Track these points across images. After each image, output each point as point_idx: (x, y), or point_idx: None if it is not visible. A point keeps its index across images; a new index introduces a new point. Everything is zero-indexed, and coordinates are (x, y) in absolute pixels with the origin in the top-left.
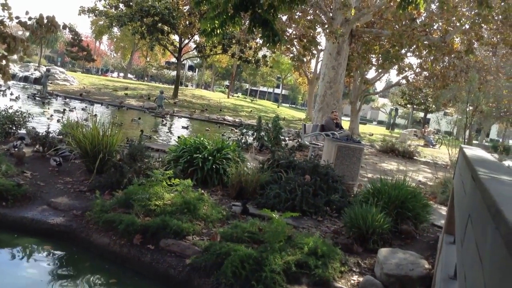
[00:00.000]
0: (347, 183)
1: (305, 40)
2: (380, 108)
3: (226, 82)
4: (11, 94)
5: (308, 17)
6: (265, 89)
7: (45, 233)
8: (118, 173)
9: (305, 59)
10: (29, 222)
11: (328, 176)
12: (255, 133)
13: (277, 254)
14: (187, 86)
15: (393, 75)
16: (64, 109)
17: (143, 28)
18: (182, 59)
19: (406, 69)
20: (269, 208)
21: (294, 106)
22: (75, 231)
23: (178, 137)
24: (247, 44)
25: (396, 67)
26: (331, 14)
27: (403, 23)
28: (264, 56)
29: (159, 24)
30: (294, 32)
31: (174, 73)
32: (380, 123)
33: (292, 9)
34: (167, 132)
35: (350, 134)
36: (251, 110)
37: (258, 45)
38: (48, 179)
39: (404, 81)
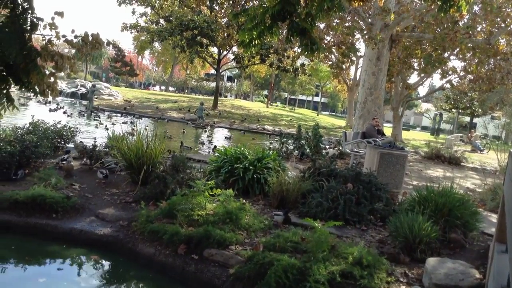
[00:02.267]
0: (391, 191)
1: (343, 47)
2: (424, 114)
3: (265, 92)
4: (60, 108)
5: (346, 24)
6: (304, 97)
7: (93, 244)
8: (161, 184)
9: (344, 66)
10: (78, 233)
11: (371, 184)
12: (295, 142)
13: (321, 264)
14: (226, 96)
15: (436, 79)
16: (114, 123)
17: (183, 42)
18: (221, 70)
19: (450, 72)
20: (311, 217)
21: (333, 113)
22: (122, 241)
23: (214, 147)
24: (285, 53)
25: (439, 71)
26: (370, 20)
27: (445, 26)
28: (303, 65)
29: (198, 37)
30: (332, 40)
31: (213, 84)
32: (424, 128)
33: (330, 17)
34: (208, 143)
35: (392, 140)
36: (291, 119)
37: (296, 54)
38: (95, 191)
39: (448, 85)
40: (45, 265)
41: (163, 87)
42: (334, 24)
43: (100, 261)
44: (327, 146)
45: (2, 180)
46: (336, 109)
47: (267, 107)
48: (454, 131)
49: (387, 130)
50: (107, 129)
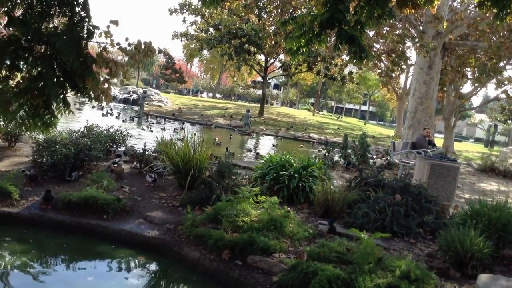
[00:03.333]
0: (441, 204)
1: (393, 55)
2: (477, 125)
3: (311, 100)
4: (110, 114)
5: (397, 32)
6: (351, 106)
7: (140, 245)
8: (207, 189)
9: (393, 75)
10: (127, 235)
11: (421, 196)
12: (341, 151)
13: (366, 276)
14: (272, 104)
15: (491, 89)
16: (163, 128)
17: (231, 50)
18: (267, 78)
19: (506, 82)
20: (357, 228)
21: (382, 123)
22: (168, 244)
23: (257, 154)
24: (333, 61)
25: (494, 80)
26: (421, 28)
27: (501, 34)
28: (350, 73)
29: (246, 45)
30: (382, 47)
31: (260, 92)
32: (478, 140)
33: (380, 24)
34: (253, 150)
35: (444, 152)
36: (337, 128)
37: (344, 61)
38: (144, 194)
39: (503, 96)
40: (95, 264)
41: (210, 94)
42: (384, 31)
43: (147, 262)
44: (375, 156)
45: (57, 181)
46: (385, 119)
47: (313, 115)
48: (510, 143)
49: (438, 141)
50: (151, 131)
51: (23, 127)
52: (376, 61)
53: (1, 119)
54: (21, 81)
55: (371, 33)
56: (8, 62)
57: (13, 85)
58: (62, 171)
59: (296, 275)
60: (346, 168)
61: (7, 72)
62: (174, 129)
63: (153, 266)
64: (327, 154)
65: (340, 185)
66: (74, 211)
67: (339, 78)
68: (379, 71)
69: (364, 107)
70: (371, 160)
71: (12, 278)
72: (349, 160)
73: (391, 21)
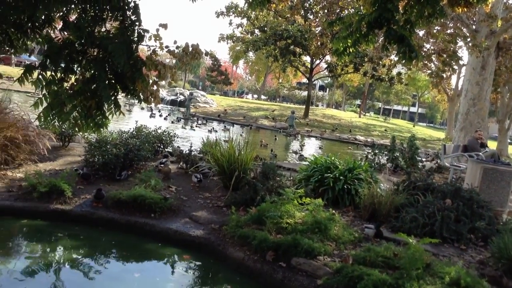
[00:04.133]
0: (494, 210)
1: (444, 55)
2: None
3: (358, 101)
4: (153, 115)
5: (448, 31)
6: (399, 107)
7: (186, 244)
8: (251, 190)
9: (444, 75)
10: (173, 233)
11: (472, 201)
12: (389, 153)
13: (414, 282)
14: (317, 106)
15: None
16: (211, 130)
17: (276, 51)
18: (313, 79)
19: None
20: (405, 233)
21: (431, 125)
22: (213, 243)
23: (300, 155)
24: (380, 62)
25: None
26: (474, 27)
27: None
28: (399, 74)
29: (292, 47)
30: (432, 47)
31: (305, 93)
32: None
33: (431, 23)
34: (298, 152)
35: (496, 153)
36: (385, 130)
37: (392, 62)
38: (190, 194)
39: None
40: (142, 261)
41: (255, 96)
42: (435, 31)
43: (192, 261)
44: (424, 159)
45: (107, 180)
46: (435, 120)
47: (360, 117)
48: None
49: (492, 144)
50: (193, 129)
51: (76, 128)
52: (426, 62)
53: (56, 120)
54: (75, 83)
55: (421, 33)
56: (63, 65)
57: (67, 87)
58: (113, 170)
59: (341, 279)
60: (394, 171)
61: (62, 75)
62: (220, 129)
63: (198, 265)
64: (373, 156)
65: (387, 188)
66: (124, 209)
67: (387, 79)
68: (429, 71)
69: (413, 109)
70: (420, 163)
71: (64, 273)
72: (396, 163)
73: (442, 20)
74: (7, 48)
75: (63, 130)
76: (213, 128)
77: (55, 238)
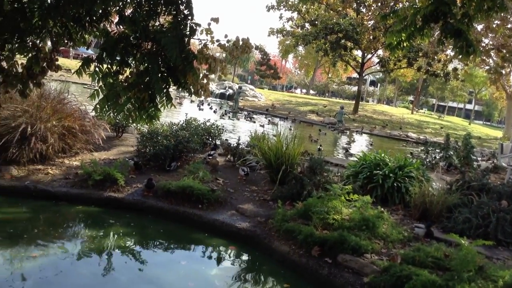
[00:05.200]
0: None
1: (504, 51)
2: None
3: (410, 97)
4: (210, 108)
5: (509, 25)
6: (454, 104)
7: (231, 236)
8: (298, 185)
9: (503, 71)
10: (220, 225)
11: None
12: (442, 152)
13: (465, 284)
14: (368, 101)
15: None
16: (263, 124)
17: (326, 45)
18: (364, 74)
19: None
20: (457, 234)
21: (488, 123)
22: (258, 236)
23: (346, 151)
24: (436, 57)
25: None
26: None
27: None
28: (455, 69)
29: (343, 41)
30: (491, 42)
31: (355, 88)
32: None
33: (490, 17)
34: (346, 147)
35: None
36: (442, 127)
37: (448, 57)
38: (236, 186)
39: None
40: (188, 250)
41: (304, 90)
42: (494, 25)
43: (238, 252)
44: (479, 158)
45: (157, 171)
46: (492, 118)
47: (412, 113)
48: None
49: None
50: (228, 118)
51: (130, 119)
52: (484, 57)
53: (111, 111)
54: (130, 76)
55: (480, 27)
56: (118, 58)
57: (122, 80)
58: (163, 161)
59: (388, 277)
60: (447, 170)
61: (118, 67)
62: (268, 123)
63: (243, 257)
64: (426, 154)
65: (440, 187)
66: (172, 199)
67: (442, 75)
68: (487, 67)
69: (469, 106)
70: (475, 163)
71: (114, 258)
72: (450, 161)
73: (502, 14)
74: (66, 41)
75: (117, 121)
76: (259, 122)
77: (107, 224)
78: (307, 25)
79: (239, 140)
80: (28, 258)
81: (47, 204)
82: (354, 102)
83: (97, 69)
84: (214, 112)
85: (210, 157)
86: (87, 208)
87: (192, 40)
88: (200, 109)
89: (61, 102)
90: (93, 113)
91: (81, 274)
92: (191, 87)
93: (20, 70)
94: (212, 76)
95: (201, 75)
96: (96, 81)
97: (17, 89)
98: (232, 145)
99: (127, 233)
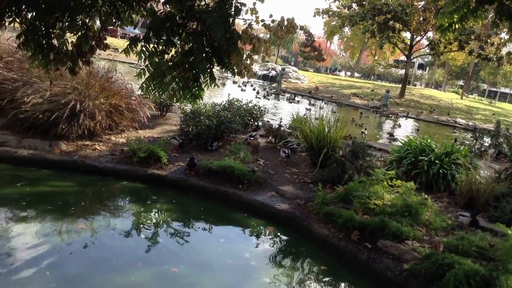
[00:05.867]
0: None
1: None
2: None
3: (460, 82)
4: (254, 89)
5: None
6: (507, 90)
7: (270, 217)
8: (339, 168)
9: None
10: (259, 205)
11: None
12: (492, 139)
13: (510, 275)
14: (415, 85)
15: None
16: (309, 108)
17: (374, 27)
18: (412, 57)
19: None
20: (504, 224)
21: None
22: (297, 218)
23: (390, 135)
24: (489, 40)
25: None
26: None
27: None
28: (509, 53)
29: (391, 22)
30: None
31: (402, 71)
32: None
33: None
34: (390, 132)
35: None
36: (493, 114)
37: (502, 41)
38: (277, 168)
39: None
40: (227, 228)
41: (348, 73)
42: None
43: (276, 233)
44: None
45: (199, 150)
46: None
47: (462, 98)
48: None
49: None
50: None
51: (174, 98)
52: None
53: (156, 90)
54: (175, 56)
55: None
56: (164, 37)
57: (167, 59)
58: (205, 140)
59: (429, 265)
60: (496, 158)
61: (163, 47)
62: (310, 105)
63: (281, 238)
64: (474, 141)
65: (488, 176)
66: (213, 178)
67: (495, 59)
68: None
69: None
70: None
71: (156, 233)
72: (500, 149)
73: None
74: (114, 20)
75: (161, 100)
76: (302, 104)
77: (150, 200)
78: (354, 5)
79: (280, 122)
80: (74, 229)
81: (93, 179)
82: (400, 85)
83: (143, 48)
84: (257, 93)
85: (252, 138)
86: (132, 184)
87: (236, 20)
88: (242, 90)
89: (109, 81)
90: (139, 92)
91: (124, 247)
92: (234, 67)
93: (70, 48)
94: (256, 57)
95: (244, 55)
96: (142, 60)
97: (67, 67)
98: (273, 127)
99: (169, 210)
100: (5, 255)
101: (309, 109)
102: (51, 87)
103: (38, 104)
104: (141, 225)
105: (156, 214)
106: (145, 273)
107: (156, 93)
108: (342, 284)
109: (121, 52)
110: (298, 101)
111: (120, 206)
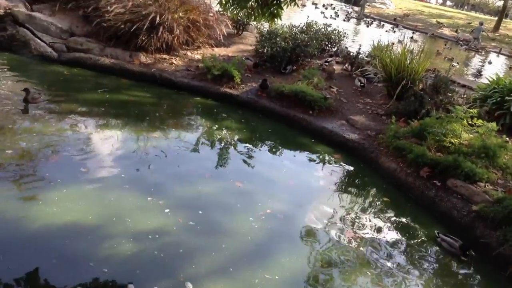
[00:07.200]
0: None
1: None
2: None
3: None
4: (335, 13)
5: None
6: None
7: (338, 145)
8: (417, 102)
9: None
10: (328, 133)
11: None
12: None
13: None
14: None
15: None
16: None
17: None
18: None
19: None
20: None
21: None
22: (366, 150)
23: (478, 72)
24: None
25: None
26: None
27: None
28: None
29: None
30: None
31: (500, 3)
32: None
33: None
34: (477, 68)
35: None
36: None
37: None
38: (350, 97)
39: None
40: (293, 152)
41: (440, 1)
42: None
43: (342, 162)
44: None
45: (272, 72)
46: None
47: None
48: None
49: None
50: (351, 23)
51: (252, 16)
52: None
53: (235, 7)
54: None
55: None
56: None
57: None
58: (279, 63)
59: (500, 209)
60: None
61: None
62: (393, 33)
63: (346, 166)
64: None
65: None
66: (284, 102)
67: None
68: None
69: None
70: None
71: (223, 149)
72: None
73: None
74: None
75: (239, 18)
76: (386, 31)
77: (221, 118)
78: None
79: (359, 49)
80: (150, 137)
81: (169, 92)
82: (496, 18)
83: None
84: (337, 16)
85: (327, 64)
86: (204, 101)
87: None
88: (322, 13)
89: None
90: (217, 8)
91: (194, 158)
92: None
93: None
94: None
95: None
96: None
97: None
98: (351, 54)
99: (238, 128)
100: (85, 156)
101: (411, 39)
102: None
103: (120, 14)
104: (210, 140)
105: (225, 131)
106: (211, 184)
107: (234, 10)
108: (404, 218)
109: None
110: (377, 25)
111: (192, 120)
